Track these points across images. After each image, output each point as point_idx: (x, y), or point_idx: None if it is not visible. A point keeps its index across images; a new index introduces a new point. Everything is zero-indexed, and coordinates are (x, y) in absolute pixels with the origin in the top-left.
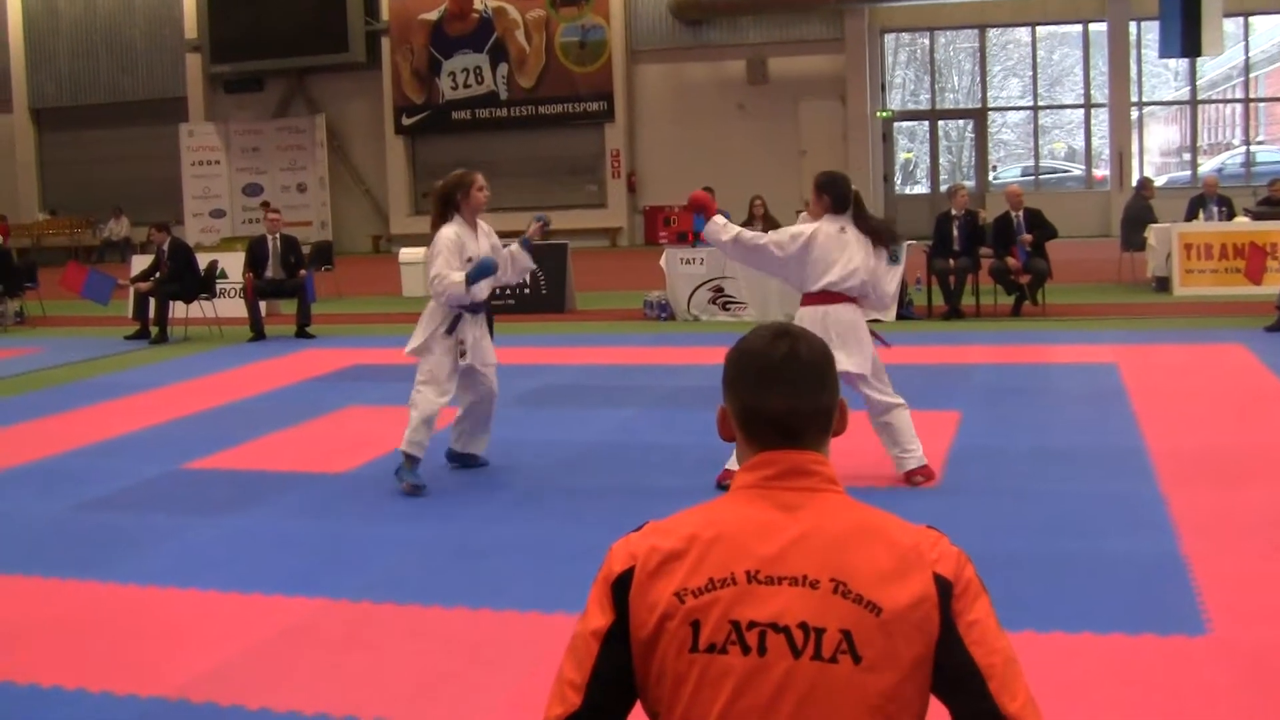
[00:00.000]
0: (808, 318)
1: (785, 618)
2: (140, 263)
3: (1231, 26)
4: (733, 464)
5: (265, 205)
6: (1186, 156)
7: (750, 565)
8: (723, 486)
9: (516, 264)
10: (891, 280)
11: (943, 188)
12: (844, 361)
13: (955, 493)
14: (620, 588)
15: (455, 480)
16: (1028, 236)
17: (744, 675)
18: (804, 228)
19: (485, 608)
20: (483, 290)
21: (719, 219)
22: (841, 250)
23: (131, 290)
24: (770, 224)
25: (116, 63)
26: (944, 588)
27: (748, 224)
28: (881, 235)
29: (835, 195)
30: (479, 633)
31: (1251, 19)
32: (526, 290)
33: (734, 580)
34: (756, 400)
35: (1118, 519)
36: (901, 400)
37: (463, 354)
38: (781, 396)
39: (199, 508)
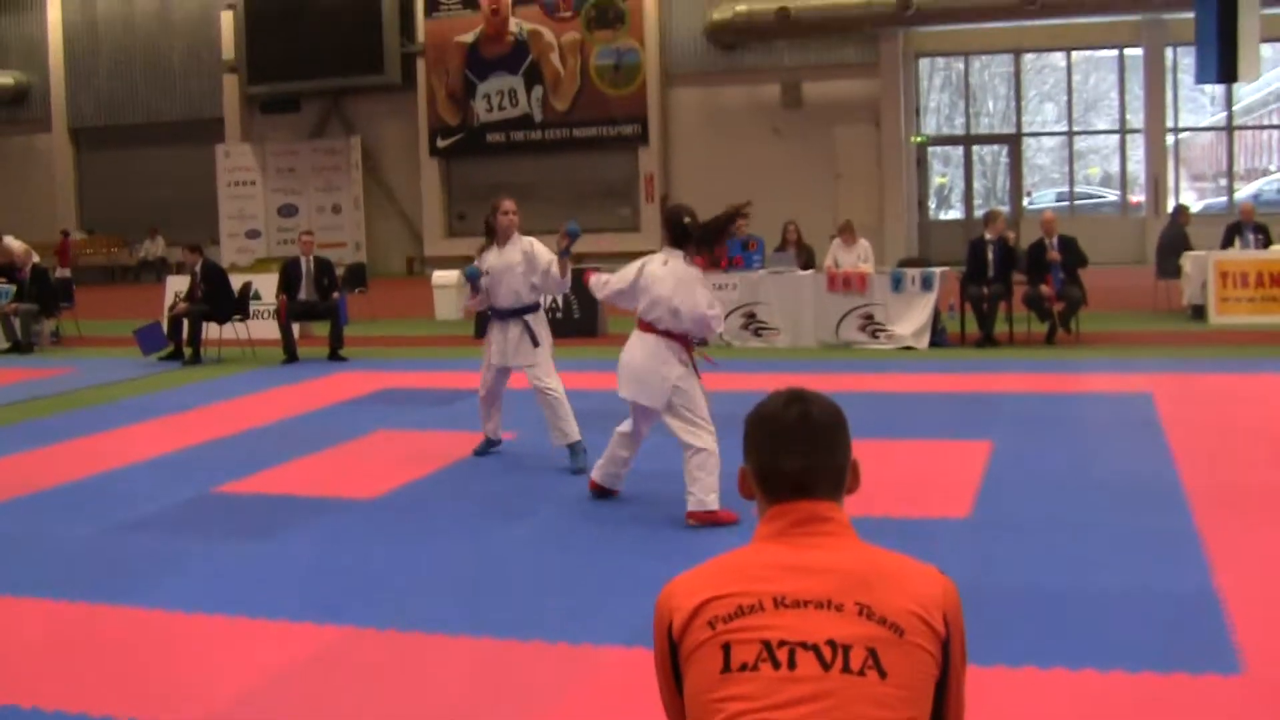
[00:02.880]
0: (630, 340)
1: (813, 635)
2: (175, 284)
3: (1269, 51)
4: (696, 504)
5: (305, 234)
6: (1223, 182)
7: (776, 592)
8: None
9: (549, 278)
10: (707, 305)
11: (978, 213)
12: (638, 393)
13: (987, 524)
14: (670, 638)
15: (487, 506)
16: (1055, 254)
17: (775, 687)
18: (641, 260)
19: (512, 638)
20: (500, 299)
21: (596, 278)
22: (653, 283)
23: (166, 312)
24: (804, 249)
25: (154, 83)
26: (950, 630)
27: (781, 249)
28: (700, 240)
29: (671, 229)
30: (506, 663)
31: None
32: (559, 314)
33: (761, 606)
34: (773, 460)
35: (1151, 553)
36: (702, 445)
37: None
38: (796, 456)
39: (230, 532)
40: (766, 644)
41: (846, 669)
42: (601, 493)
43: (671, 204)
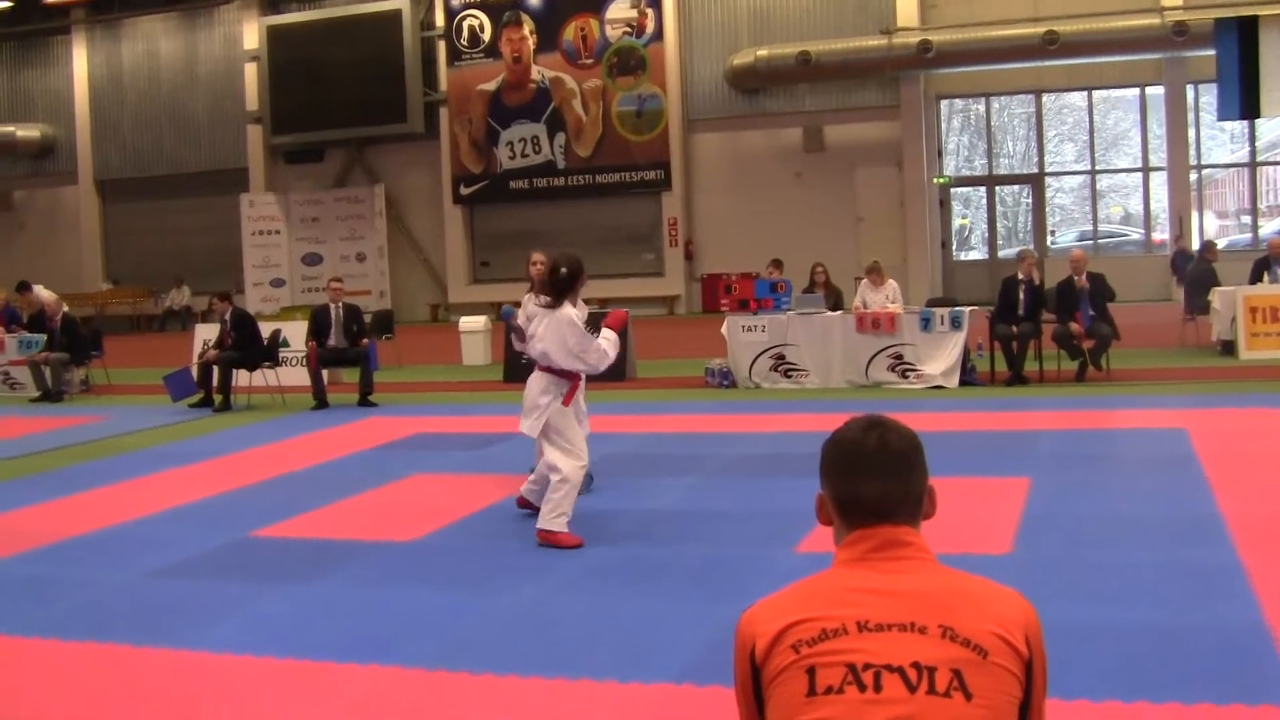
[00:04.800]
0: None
1: (898, 658)
2: (203, 331)
3: None
4: (546, 524)
5: (335, 280)
6: (1246, 219)
7: (860, 616)
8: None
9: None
10: (576, 344)
11: (1000, 254)
12: (528, 426)
13: (1029, 561)
14: (753, 662)
15: (524, 550)
16: (1084, 281)
17: (862, 710)
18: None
19: (561, 677)
20: (530, 349)
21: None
22: (535, 326)
23: (195, 359)
24: (831, 290)
25: (179, 135)
26: (1032, 651)
27: (809, 290)
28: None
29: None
30: (554, 702)
31: None
32: None
33: (845, 630)
34: (852, 487)
35: (1196, 586)
36: (564, 474)
37: None
38: (875, 482)
39: (267, 576)
40: (852, 667)
41: (932, 691)
42: (529, 507)
43: (554, 253)
